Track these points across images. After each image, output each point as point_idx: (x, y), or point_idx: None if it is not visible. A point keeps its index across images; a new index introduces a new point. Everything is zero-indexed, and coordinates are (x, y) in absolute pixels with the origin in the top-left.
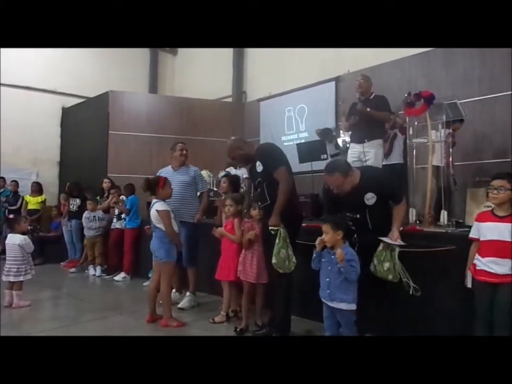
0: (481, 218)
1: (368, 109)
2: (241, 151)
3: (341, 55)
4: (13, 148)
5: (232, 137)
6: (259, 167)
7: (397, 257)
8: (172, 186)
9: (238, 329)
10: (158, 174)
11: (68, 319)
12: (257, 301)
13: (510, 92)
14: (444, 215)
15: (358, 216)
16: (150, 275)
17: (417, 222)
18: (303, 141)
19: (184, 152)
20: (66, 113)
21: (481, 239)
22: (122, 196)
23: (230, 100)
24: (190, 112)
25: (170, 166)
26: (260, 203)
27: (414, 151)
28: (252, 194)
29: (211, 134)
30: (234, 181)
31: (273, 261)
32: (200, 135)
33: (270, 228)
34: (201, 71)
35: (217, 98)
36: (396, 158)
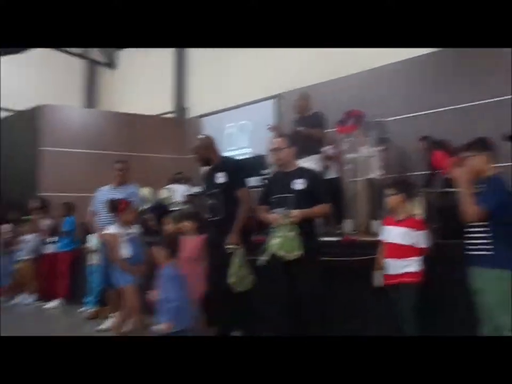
0: (385, 221)
1: (302, 128)
2: (209, 153)
3: (282, 73)
4: None
5: (206, 135)
6: (221, 178)
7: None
8: None
9: None
10: (96, 193)
11: None
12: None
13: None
14: (375, 224)
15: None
16: (86, 300)
17: (353, 231)
18: (246, 156)
19: (122, 170)
20: None
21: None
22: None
23: (171, 115)
24: (130, 128)
25: (110, 184)
26: (211, 215)
27: (348, 165)
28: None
29: (152, 150)
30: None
31: (232, 279)
32: (141, 152)
33: (229, 245)
34: (142, 86)
35: (158, 114)
36: (332, 173)
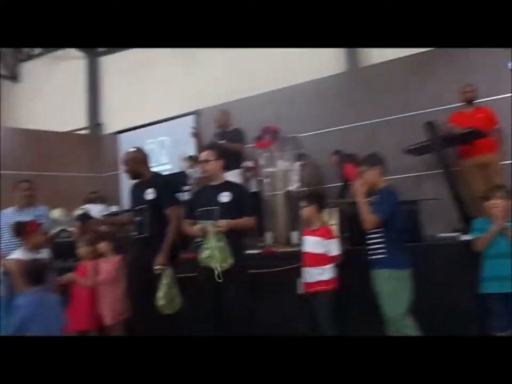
0: (303, 232)
1: (223, 142)
2: (140, 166)
3: (200, 90)
4: None
5: (138, 148)
6: (150, 194)
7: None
8: None
9: None
10: None
11: None
12: None
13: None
14: (294, 235)
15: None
16: None
17: (274, 244)
18: (166, 173)
19: (28, 190)
20: None
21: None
22: None
23: (85, 132)
24: (39, 145)
25: (14, 207)
26: (137, 232)
27: (267, 179)
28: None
29: (65, 168)
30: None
31: (161, 302)
32: (51, 170)
33: (157, 267)
34: (51, 100)
35: (71, 130)
36: (252, 186)
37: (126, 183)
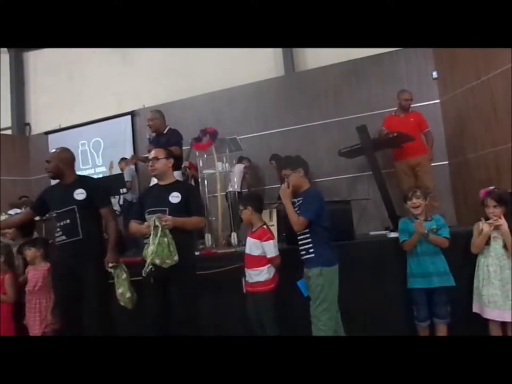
0: (248, 233)
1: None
2: (66, 167)
3: (136, 90)
4: None
5: (64, 148)
6: (80, 195)
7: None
8: None
9: None
10: None
11: None
12: None
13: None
14: (234, 236)
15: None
16: None
17: (213, 245)
18: (100, 175)
19: None
20: None
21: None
22: None
23: (9, 132)
24: None
25: None
26: (64, 237)
27: (205, 181)
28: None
29: None
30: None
31: (128, 295)
32: None
33: (110, 265)
34: None
35: None
36: None
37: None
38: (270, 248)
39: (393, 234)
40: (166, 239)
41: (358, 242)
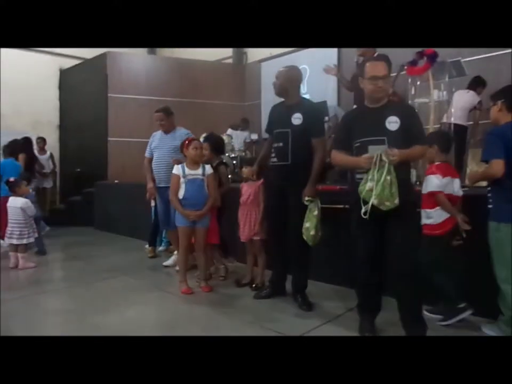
0: None
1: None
2: (292, 86)
3: None
4: (13, 110)
5: (294, 66)
6: (297, 119)
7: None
8: (162, 152)
9: (253, 286)
10: (151, 138)
11: (73, 280)
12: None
13: None
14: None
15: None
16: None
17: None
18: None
19: (160, 121)
20: (64, 75)
21: None
22: None
23: (230, 61)
24: (190, 74)
25: (161, 131)
26: (276, 159)
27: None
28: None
29: (212, 96)
30: (216, 143)
31: (311, 232)
32: (200, 98)
33: (306, 198)
34: None
35: (218, 60)
36: None
37: (266, 113)
38: None
39: None
40: (389, 178)
41: None
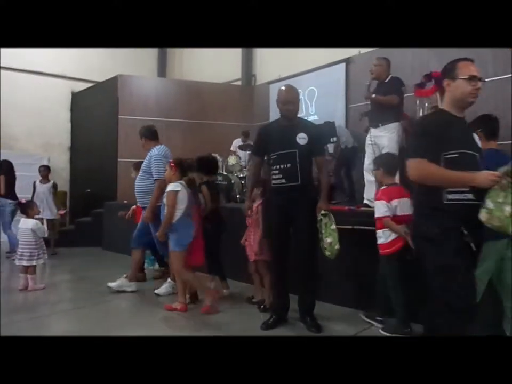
0: None
1: (374, 95)
2: (295, 105)
3: None
4: (24, 133)
5: (292, 86)
6: (302, 139)
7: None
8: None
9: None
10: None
11: (82, 301)
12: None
13: None
14: None
15: None
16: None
17: None
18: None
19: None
20: (76, 97)
21: None
22: None
23: (239, 83)
24: (199, 95)
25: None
26: (283, 180)
27: None
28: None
29: (220, 117)
30: (201, 164)
31: (336, 247)
32: (209, 119)
33: (322, 212)
34: (210, 54)
35: (226, 82)
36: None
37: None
38: None
39: None
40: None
41: None
